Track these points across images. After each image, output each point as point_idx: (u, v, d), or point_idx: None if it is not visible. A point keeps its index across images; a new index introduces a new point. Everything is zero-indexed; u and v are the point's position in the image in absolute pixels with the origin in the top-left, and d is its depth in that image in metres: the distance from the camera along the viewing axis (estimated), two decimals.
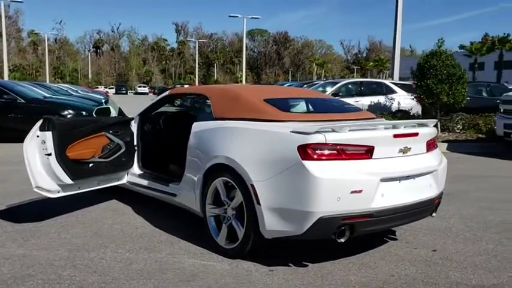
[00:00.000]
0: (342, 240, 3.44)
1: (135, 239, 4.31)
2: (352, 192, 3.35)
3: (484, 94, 15.30)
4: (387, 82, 14.72)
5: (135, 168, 5.35)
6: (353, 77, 78.20)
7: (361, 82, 14.89)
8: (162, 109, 5.76)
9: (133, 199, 5.51)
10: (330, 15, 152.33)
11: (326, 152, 3.37)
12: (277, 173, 3.46)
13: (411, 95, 13.02)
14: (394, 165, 3.55)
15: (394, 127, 3.66)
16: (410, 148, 3.66)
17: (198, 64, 73.89)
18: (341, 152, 3.39)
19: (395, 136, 3.58)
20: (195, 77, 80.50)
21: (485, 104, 14.20)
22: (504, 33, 41.84)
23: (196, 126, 4.40)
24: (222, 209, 3.97)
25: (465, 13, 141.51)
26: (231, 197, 3.88)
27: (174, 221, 4.82)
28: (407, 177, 3.60)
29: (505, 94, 10.94)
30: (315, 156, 3.35)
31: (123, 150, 5.15)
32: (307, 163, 3.32)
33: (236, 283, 3.39)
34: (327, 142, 3.36)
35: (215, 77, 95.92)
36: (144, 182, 5.12)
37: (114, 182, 5.27)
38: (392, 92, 14.03)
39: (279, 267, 3.66)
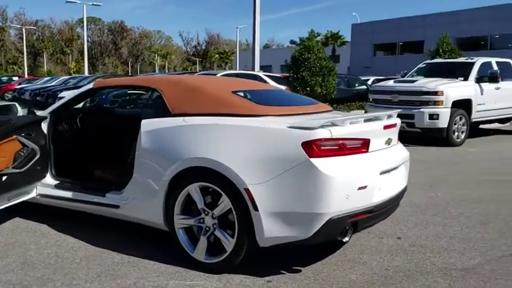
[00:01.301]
0: (347, 239, 3.26)
1: (83, 265, 3.54)
2: (359, 188, 3.19)
3: (343, 85, 16.58)
4: (260, 74, 14.98)
5: (48, 178, 4.43)
6: (195, 68, 78.58)
7: (236, 74, 14.91)
8: (107, 106, 4.88)
9: (40, 214, 4.56)
10: (165, 5, 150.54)
11: (331, 147, 3.14)
12: (278, 174, 3.12)
13: (285, 88, 13.45)
14: (385, 157, 3.47)
15: (377, 119, 3.58)
16: (391, 139, 3.63)
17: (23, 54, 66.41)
18: (343, 147, 3.19)
19: (385, 127, 3.51)
20: (19, 67, 72.17)
21: (346, 95, 15.43)
22: (335, 31, 46.52)
23: (148, 125, 3.77)
24: (197, 219, 3.47)
25: (289, 11, 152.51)
26: (213, 205, 3.40)
27: (115, 237, 4.10)
28: (394, 169, 3.57)
29: (374, 85, 11.93)
30: (322, 153, 3.09)
31: (38, 156, 4.21)
32: (316, 161, 3.05)
33: None
34: (333, 137, 3.13)
35: (45, 68, 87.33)
36: (66, 194, 4.26)
37: (23, 196, 4.29)
38: (265, 83, 14.32)
39: (274, 277, 3.33)
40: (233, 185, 3.22)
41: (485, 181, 6.61)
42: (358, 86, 16.71)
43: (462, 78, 10.99)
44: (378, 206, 3.35)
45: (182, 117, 3.64)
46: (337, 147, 3.16)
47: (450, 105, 10.11)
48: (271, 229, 3.16)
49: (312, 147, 3.07)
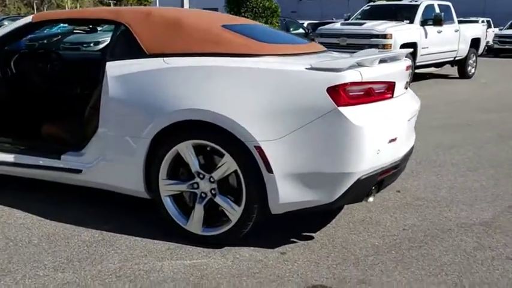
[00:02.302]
0: (371, 200, 2.81)
1: (44, 248, 2.81)
2: (389, 141, 2.71)
3: (282, 28, 15.94)
4: None
5: None
6: None
7: None
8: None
9: None
10: None
11: (360, 93, 2.60)
12: (297, 128, 2.54)
13: None
14: (407, 104, 3.01)
15: (396, 58, 3.07)
16: (407, 83, 3.17)
17: None
18: (371, 93, 2.66)
19: (406, 68, 3.02)
20: None
21: None
22: None
23: (117, 68, 2.99)
24: (190, 184, 2.84)
25: None
26: (211, 167, 2.78)
27: (78, 208, 3.36)
28: (412, 117, 3.12)
29: (320, 28, 11.43)
30: (351, 101, 2.55)
31: None
32: (345, 110, 2.50)
33: (258, 280, 2.46)
34: (363, 80, 2.58)
35: None
36: (7, 158, 3.41)
37: None
38: None
39: (287, 247, 2.83)
40: (240, 143, 2.61)
41: (447, 126, 6.48)
42: (295, 29, 16.20)
43: (408, 21, 10.82)
44: (402, 160, 2.91)
45: (162, 58, 2.90)
46: (365, 93, 2.63)
47: (398, 49, 9.91)
48: (287, 193, 2.62)
49: (340, 94, 2.51)
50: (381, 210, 3.42)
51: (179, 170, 2.92)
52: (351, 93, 2.55)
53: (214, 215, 2.85)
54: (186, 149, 2.78)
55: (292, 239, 2.94)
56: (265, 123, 2.57)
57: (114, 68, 3.00)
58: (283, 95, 2.57)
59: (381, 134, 2.65)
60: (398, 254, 2.78)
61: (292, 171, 2.58)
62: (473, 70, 12.38)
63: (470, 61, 12.26)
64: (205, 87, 2.71)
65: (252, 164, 2.63)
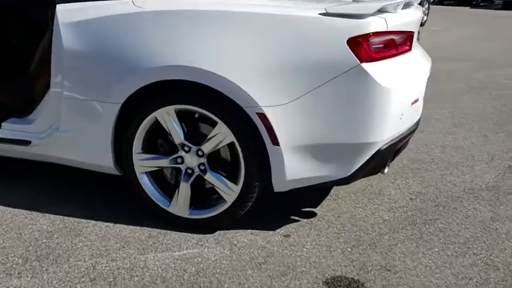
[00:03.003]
0: (386, 171, 2.43)
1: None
2: (412, 103, 2.31)
3: None
4: None
5: None
6: None
7: None
8: None
9: None
10: None
11: (383, 46, 2.15)
12: (309, 90, 2.08)
13: None
14: (423, 58, 2.60)
15: (410, 4, 2.62)
16: (419, 33, 2.75)
17: None
18: (393, 45, 2.22)
19: (418, 18, 2.59)
20: None
21: None
22: None
23: (71, 13, 2.35)
24: (173, 158, 2.33)
25: None
26: (199, 137, 2.28)
27: (25, 188, 2.77)
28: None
29: None
30: (376, 55, 2.10)
31: None
32: (370, 67, 2.05)
33: (267, 274, 2.06)
34: (388, 29, 2.13)
35: None
36: None
37: None
38: None
39: (290, 228, 2.44)
40: (238, 109, 2.12)
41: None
42: None
43: None
44: (417, 124, 2.54)
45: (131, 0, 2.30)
46: (387, 45, 2.18)
47: None
48: (296, 169, 2.18)
49: (363, 46, 2.05)
50: (379, 178, 3.08)
51: (157, 142, 2.40)
52: (374, 46, 2.10)
53: (201, 194, 2.38)
54: (167, 116, 2.25)
55: (292, 217, 2.54)
56: (269, 85, 2.08)
57: (67, 12, 2.35)
58: (291, 49, 2.07)
59: (406, 95, 2.24)
60: (414, 230, 2.46)
61: (302, 142, 2.14)
62: (425, 18, 12.23)
63: (423, 8, 12.07)
64: (192, 38, 2.15)
65: (253, 135, 2.15)
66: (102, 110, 2.32)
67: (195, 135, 2.29)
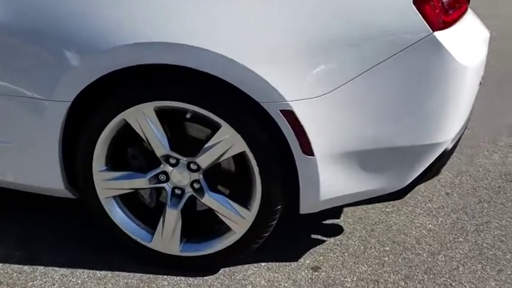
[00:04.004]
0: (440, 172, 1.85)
1: None
2: (480, 83, 1.71)
3: None
4: None
5: None
6: None
7: None
8: None
9: None
10: None
11: (450, 3, 1.51)
12: (358, 74, 1.41)
13: None
14: (478, 23, 1.97)
15: None
16: None
17: None
18: (455, 6, 1.58)
19: None
20: None
21: None
22: None
23: None
24: (153, 176, 1.62)
25: None
26: (190, 145, 1.57)
27: None
28: None
29: None
30: (447, 18, 1.46)
31: None
32: (443, 36, 1.41)
33: None
34: None
35: None
36: None
37: None
38: None
39: (313, 255, 1.82)
40: (252, 105, 1.42)
41: None
42: None
43: None
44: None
45: None
46: (453, 3, 1.54)
47: None
48: (334, 185, 1.54)
49: (436, 8, 1.40)
50: None
51: (128, 152, 1.68)
52: (445, 4, 1.45)
53: (196, 221, 1.71)
54: (142, 117, 1.52)
55: (313, 236, 1.93)
56: (298, 69, 1.40)
57: None
58: (330, 18, 1.38)
59: (478, 74, 1.63)
60: (469, 242, 1.92)
61: (345, 149, 1.49)
62: None
63: None
64: (181, 2, 1.40)
65: (274, 142, 1.48)
66: (43, 112, 1.55)
67: (185, 142, 1.59)
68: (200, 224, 1.72)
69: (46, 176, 1.67)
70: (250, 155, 1.50)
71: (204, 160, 1.55)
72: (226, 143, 1.50)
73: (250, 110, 1.45)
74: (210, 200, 1.60)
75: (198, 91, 1.45)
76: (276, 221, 1.61)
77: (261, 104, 1.41)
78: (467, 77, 1.48)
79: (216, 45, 1.37)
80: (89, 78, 1.47)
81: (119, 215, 1.68)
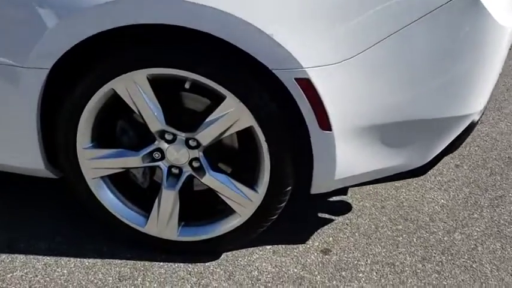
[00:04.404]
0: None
1: None
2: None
3: None
4: None
5: None
6: None
7: None
8: None
9: None
10: None
11: None
12: (385, 37, 1.23)
13: None
14: None
15: None
16: None
17: None
18: None
19: None
20: None
21: None
22: None
23: None
24: (146, 153, 1.43)
25: None
26: (188, 119, 1.38)
27: None
28: None
29: None
30: None
31: None
32: None
33: None
34: None
35: None
36: None
37: None
38: None
39: (322, 236, 1.68)
40: (262, 73, 1.23)
41: None
42: None
43: None
44: None
45: None
46: None
47: None
48: (350, 162, 1.38)
49: None
50: None
51: (117, 126, 1.48)
52: None
53: (195, 201, 1.54)
54: (134, 86, 1.31)
55: (320, 215, 1.78)
56: (318, 30, 1.21)
57: None
58: None
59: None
60: (485, 219, 1.79)
61: (367, 122, 1.32)
62: None
63: None
64: None
65: (286, 115, 1.30)
66: (17, 80, 1.33)
67: (183, 115, 1.40)
68: (199, 206, 1.55)
69: (22, 154, 1.47)
70: (258, 130, 1.32)
71: (205, 136, 1.36)
72: (231, 116, 1.31)
73: (259, 79, 1.26)
74: (211, 180, 1.42)
75: (198, 56, 1.25)
76: (285, 203, 1.45)
77: (273, 71, 1.22)
78: (505, 40, 1.31)
79: (218, 1, 1.17)
80: (70, 42, 1.25)
81: (107, 197, 1.50)
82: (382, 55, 1.23)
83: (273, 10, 1.19)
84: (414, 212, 1.82)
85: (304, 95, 1.23)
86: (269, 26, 1.18)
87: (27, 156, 1.46)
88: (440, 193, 1.94)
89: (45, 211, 1.72)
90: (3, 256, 1.53)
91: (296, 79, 1.22)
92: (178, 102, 1.40)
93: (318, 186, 1.43)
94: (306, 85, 1.23)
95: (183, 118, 1.40)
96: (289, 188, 1.41)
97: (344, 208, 1.81)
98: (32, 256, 1.53)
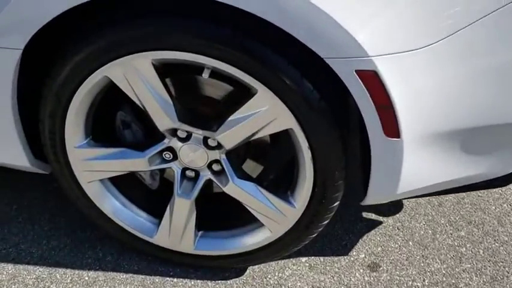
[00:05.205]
0: None
1: None
2: None
3: None
4: None
5: None
6: None
7: None
8: None
9: None
10: None
11: None
12: (477, 19, 0.86)
13: None
14: None
15: None
16: None
17: None
18: None
19: None
20: None
21: None
22: None
23: None
24: (154, 154, 1.12)
25: None
26: (209, 115, 1.06)
27: None
28: None
29: None
30: None
31: None
32: None
33: None
34: None
35: None
36: None
37: None
38: None
39: (365, 247, 1.39)
40: (309, 62, 0.89)
41: None
42: None
43: None
44: None
45: None
46: None
47: None
48: (419, 174, 1.05)
49: None
50: None
51: (117, 117, 1.16)
52: None
53: (218, 213, 1.26)
54: (134, 73, 0.98)
55: (364, 214, 1.48)
56: (389, 9, 0.85)
57: None
58: None
59: None
60: None
61: (449, 127, 0.98)
62: None
63: None
64: None
65: (339, 117, 0.97)
66: None
67: (198, 105, 1.08)
68: (220, 211, 1.27)
69: (5, 149, 1.17)
70: (300, 135, 0.99)
71: (228, 139, 1.04)
72: (264, 116, 0.98)
73: (305, 70, 0.92)
74: (236, 190, 1.12)
75: (223, 38, 0.90)
76: (329, 220, 1.15)
77: (325, 60, 0.88)
78: None
79: None
80: (52, 12, 0.91)
81: (109, 203, 1.21)
82: (467, 43, 0.88)
83: None
84: (478, 213, 1.51)
85: (367, 91, 0.89)
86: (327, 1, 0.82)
87: (7, 153, 1.17)
88: (510, 187, 1.61)
89: (35, 209, 1.46)
90: None
91: (358, 71, 0.88)
92: (190, 87, 1.08)
93: (372, 200, 1.12)
94: (371, 79, 0.88)
95: (199, 110, 1.08)
96: (337, 204, 1.10)
97: (394, 207, 1.51)
98: (21, 267, 1.29)
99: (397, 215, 1.48)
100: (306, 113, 0.96)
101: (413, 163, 1.01)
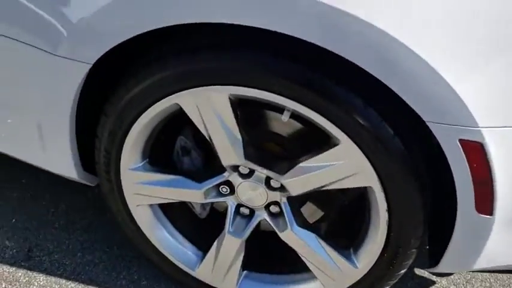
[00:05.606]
0: None
1: None
2: None
3: None
4: None
5: None
6: None
7: None
8: None
9: None
10: None
11: None
12: None
13: None
14: None
15: None
16: None
17: None
18: None
19: None
20: None
21: None
22: None
23: None
24: (212, 187, 1.03)
25: None
26: (278, 157, 0.98)
27: None
28: None
29: None
30: None
31: None
32: None
33: None
34: None
35: None
36: None
37: None
38: None
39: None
40: (408, 123, 0.80)
41: None
42: None
43: None
44: None
45: None
46: None
47: None
48: (500, 252, 0.95)
49: None
50: None
51: (176, 144, 1.09)
52: None
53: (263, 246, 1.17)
54: (208, 104, 0.90)
55: (416, 270, 1.37)
56: (503, 81, 0.75)
57: None
58: None
59: None
60: None
61: None
62: None
63: None
64: None
65: (428, 185, 0.88)
66: (49, 72, 0.95)
67: (264, 141, 1.00)
68: (266, 251, 1.18)
69: (55, 159, 1.12)
70: (380, 196, 0.90)
71: (296, 185, 0.95)
72: (343, 170, 0.89)
73: (399, 129, 0.83)
74: (294, 239, 1.03)
75: (316, 86, 0.81)
76: (390, 286, 1.05)
77: (427, 123, 0.78)
78: None
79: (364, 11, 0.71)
80: (125, 34, 0.84)
81: (155, 230, 1.14)
82: None
83: (445, 39, 0.73)
84: None
85: (467, 163, 0.79)
86: (438, 59, 0.72)
87: (57, 162, 1.11)
88: None
89: (74, 216, 1.40)
90: None
91: (461, 140, 0.78)
92: (258, 122, 0.99)
93: (443, 269, 1.01)
94: (475, 151, 0.78)
95: (265, 146, 1.00)
96: (403, 271, 1.00)
97: None
98: (53, 279, 1.22)
99: (452, 276, 1.37)
100: (391, 176, 0.86)
101: (499, 241, 0.91)
